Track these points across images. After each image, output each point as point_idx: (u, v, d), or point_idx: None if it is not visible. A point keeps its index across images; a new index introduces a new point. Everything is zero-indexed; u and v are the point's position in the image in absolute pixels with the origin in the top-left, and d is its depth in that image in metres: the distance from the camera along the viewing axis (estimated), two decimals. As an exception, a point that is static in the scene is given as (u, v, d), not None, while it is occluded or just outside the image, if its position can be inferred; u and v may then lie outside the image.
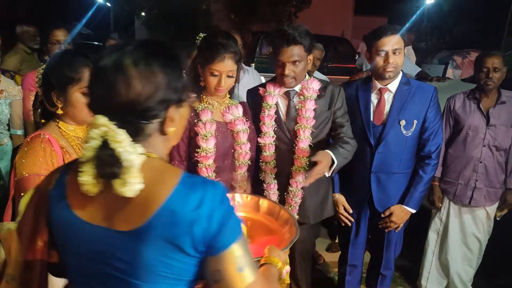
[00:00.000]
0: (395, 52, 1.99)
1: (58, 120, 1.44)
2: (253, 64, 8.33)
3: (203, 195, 0.80)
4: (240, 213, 1.41)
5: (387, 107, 2.07)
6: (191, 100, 0.91)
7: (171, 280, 0.82)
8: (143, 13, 14.29)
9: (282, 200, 2.01)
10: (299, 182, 1.96)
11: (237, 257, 0.82)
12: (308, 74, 3.23)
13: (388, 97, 2.08)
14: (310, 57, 1.91)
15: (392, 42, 1.98)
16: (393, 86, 2.07)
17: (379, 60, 2.01)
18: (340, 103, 1.99)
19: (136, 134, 0.82)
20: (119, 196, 0.79)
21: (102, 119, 0.79)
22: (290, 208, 1.98)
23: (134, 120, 0.81)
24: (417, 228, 2.90)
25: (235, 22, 11.81)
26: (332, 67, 8.71)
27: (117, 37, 3.47)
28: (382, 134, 2.05)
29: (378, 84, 2.07)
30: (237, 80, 3.00)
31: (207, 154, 1.73)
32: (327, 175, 1.76)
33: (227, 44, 1.69)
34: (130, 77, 0.79)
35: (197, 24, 11.55)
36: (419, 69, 4.51)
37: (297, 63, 1.85)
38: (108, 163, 0.78)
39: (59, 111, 1.40)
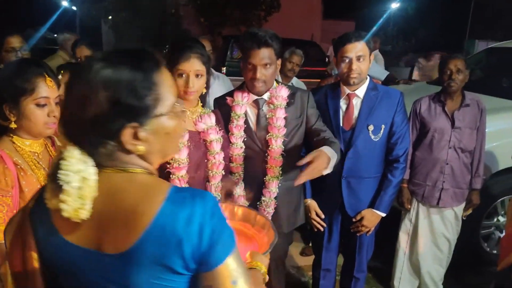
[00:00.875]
0: (359, 58, 2.01)
1: (12, 135, 1.35)
2: (225, 68, 8.31)
3: (192, 211, 0.76)
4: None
5: (355, 113, 2.09)
6: (170, 113, 0.84)
7: None
8: (110, 17, 13.97)
9: (253, 209, 1.97)
10: (272, 192, 1.94)
11: (231, 271, 0.79)
12: (285, 79, 3.26)
13: (356, 103, 2.10)
14: (279, 62, 1.90)
15: (356, 49, 1.99)
16: (361, 91, 2.09)
17: (344, 67, 2.03)
18: (312, 110, 2.00)
19: (111, 153, 0.79)
20: (105, 216, 0.75)
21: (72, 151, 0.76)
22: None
23: (90, 135, 0.78)
24: (389, 229, 2.95)
25: (205, 26, 11.75)
26: (302, 70, 8.81)
27: (86, 45, 3.27)
28: (352, 139, 2.07)
29: (346, 90, 2.09)
30: (207, 87, 2.99)
31: (179, 165, 1.66)
32: (325, 173, 1.67)
33: (192, 45, 1.66)
34: (81, 90, 0.77)
35: (166, 28, 11.42)
36: (387, 73, 4.62)
37: (267, 66, 1.82)
38: (55, 179, 0.75)
39: (13, 125, 1.32)
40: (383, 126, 2.07)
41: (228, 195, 1.85)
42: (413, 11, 18.23)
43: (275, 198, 1.95)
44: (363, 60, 2.02)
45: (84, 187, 0.75)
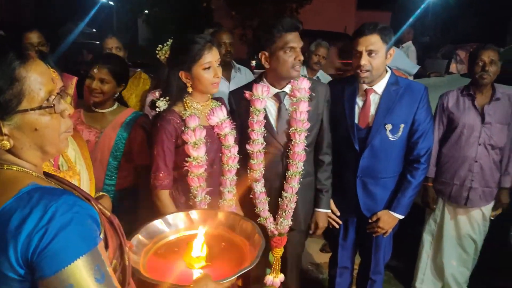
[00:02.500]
0: (371, 53, 1.88)
1: None
2: (254, 61, 8.26)
3: (30, 212, 0.73)
4: (200, 231, 1.27)
5: (372, 110, 1.98)
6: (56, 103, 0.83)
7: None
8: (145, 12, 14.23)
9: (272, 206, 1.95)
10: (294, 188, 1.90)
11: (76, 278, 0.73)
12: (311, 73, 3.19)
13: (374, 99, 1.99)
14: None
15: (367, 43, 1.87)
16: (380, 87, 1.98)
17: (354, 61, 1.92)
18: (326, 106, 1.95)
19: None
20: None
21: None
22: (284, 214, 1.92)
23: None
24: (412, 229, 2.84)
25: (236, 19, 11.73)
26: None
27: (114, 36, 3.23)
28: (368, 138, 1.97)
29: (364, 85, 1.99)
30: (228, 79, 2.97)
31: (198, 163, 1.65)
32: None
33: (204, 36, 1.65)
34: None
35: (199, 22, 11.49)
36: (417, 67, 4.41)
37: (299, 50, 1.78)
38: None
39: None
40: (402, 126, 1.95)
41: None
42: (453, 1, 17.43)
43: (296, 193, 1.91)
44: (375, 55, 1.88)
45: None
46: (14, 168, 0.82)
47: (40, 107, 0.80)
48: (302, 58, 1.79)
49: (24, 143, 0.81)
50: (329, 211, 2.06)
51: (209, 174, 1.72)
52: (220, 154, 1.75)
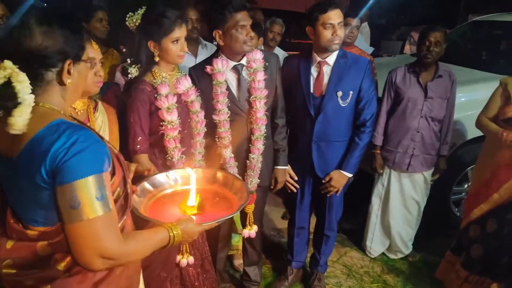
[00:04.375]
0: (340, 24, 2.09)
1: None
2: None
3: (58, 137, 0.95)
4: (195, 186, 1.45)
5: (325, 80, 2.20)
6: (90, 61, 1.11)
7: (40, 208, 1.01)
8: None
9: (241, 168, 2.12)
10: (259, 149, 2.08)
11: (71, 195, 0.94)
12: (268, 50, 3.33)
13: (326, 70, 2.20)
14: None
15: (337, 15, 2.07)
16: (331, 59, 2.19)
17: (326, 34, 2.08)
18: (279, 74, 2.13)
19: (36, 80, 0.99)
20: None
21: (8, 63, 0.94)
22: (253, 173, 2.11)
23: (35, 65, 0.99)
24: (363, 194, 3.12)
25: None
26: (295, 43, 8.78)
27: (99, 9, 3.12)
28: (321, 105, 2.19)
29: (317, 58, 2.19)
30: (194, 54, 3.07)
31: (173, 126, 1.79)
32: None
33: (175, 12, 1.76)
34: (33, 32, 0.98)
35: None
36: (372, 49, 4.69)
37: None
38: (5, 97, 0.93)
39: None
40: (351, 92, 2.18)
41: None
42: (410, -16, 17.91)
43: (261, 154, 2.10)
44: (341, 27, 2.09)
45: (30, 106, 0.96)
46: (47, 106, 1.02)
47: (89, 62, 1.11)
48: (252, 34, 1.94)
49: (74, 83, 1.07)
50: (287, 167, 2.27)
51: (183, 138, 1.87)
52: (189, 120, 1.90)
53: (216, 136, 2.03)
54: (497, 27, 4.32)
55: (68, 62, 1.03)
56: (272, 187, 2.29)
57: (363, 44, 4.55)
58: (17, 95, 0.93)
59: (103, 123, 1.66)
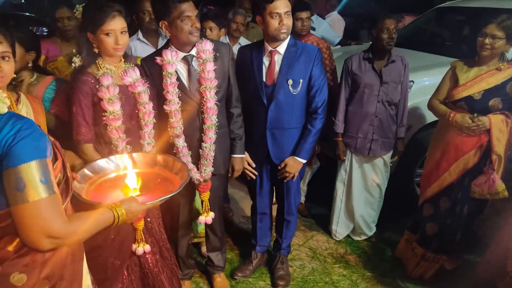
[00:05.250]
0: (287, 14, 2.15)
1: None
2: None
3: (3, 125, 1.03)
4: (137, 170, 1.54)
5: (277, 68, 2.25)
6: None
7: None
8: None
9: (194, 158, 2.17)
10: (211, 138, 2.14)
11: (16, 178, 1.01)
12: (232, 40, 3.38)
13: (278, 59, 2.26)
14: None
15: (283, 5, 2.13)
16: (282, 48, 2.24)
17: (273, 23, 2.14)
18: (232, 64, 2.18)
19: None
20: None
21: None
22: (206, 162, 2.16)
23: None
24: (328, 180, 3.21)
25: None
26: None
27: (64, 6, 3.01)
28: (273, 93, 2.25)
29: (269, 47, 2.24)
30: (155, 46, 3.09)
31: (114, 116, 1.82)
32: None
33: (112, 4, 1.78)
34: None
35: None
36: (339, 38, 4.76)
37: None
38: None
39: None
40: (301, 81, 2.24)
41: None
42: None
43: (214, 143, 2.15)
44: (289, 16, 2.15)
45: None
46: None
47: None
48: (198, 25, 1.97)
49: None
50: (244, 155, 2.33)
51: (128, 128, 1.90)
52: (137, 111, 1.93)
53: (168, 126, 2.07)
54: (460, 12, 4.43)
55: None
56: (230, 175, 2.36)
57: (330, 32, 4.62)
58: None
59: (28, 114, 1.67)
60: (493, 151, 2.37)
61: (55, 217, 1.06)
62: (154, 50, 3.00)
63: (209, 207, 2.23)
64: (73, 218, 1.13)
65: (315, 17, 4.32)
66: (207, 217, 2.23)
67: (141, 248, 1.91)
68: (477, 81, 2.39)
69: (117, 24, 1.78)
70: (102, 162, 1.56)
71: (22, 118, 1.06)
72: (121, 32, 1.80)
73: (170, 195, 1.37)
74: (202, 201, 2.25)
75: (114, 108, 1.82)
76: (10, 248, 1.09)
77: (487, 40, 2.30)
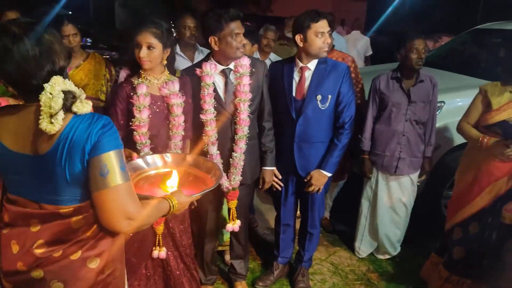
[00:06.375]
0: (329, 33, 2.28)
1: None
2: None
3: (90, 123, 1.17)
4: (170, 168, 1.64)
5: (306, 84, 2.34)
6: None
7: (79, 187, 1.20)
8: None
9: (225, 166, 2.26)
10: (241, 149, 2.24)
11: (101, 165, 1.15)
12: (263, 55, 3.51)
13: (308, 75, 2.35)
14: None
15: (327, 25, 2.26)
16: (312, 64, 2.33)
17: (318, 41, 2.25)
18: (266, 78, 2.28)
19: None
20: (38, 127, 1.13)
21: (58, 79, 1.15)
22: (235, 171, 2.26)
23: (64, 75, 1.20)
24: (354, 196, 3.22)
25: (213, 3, 11.86)
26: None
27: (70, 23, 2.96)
28: (302, 108, 2.33)
29: (300, 63, 2.34)
30: (191, 60, 3.25)
31: (140, 123, 1.97)
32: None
33: (150, 21, 1.94)
34: (55, 37, 1.19)
35: (175, 5, 11.58)
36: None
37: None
38: (73, 100, 1.15)
39: None
40: (329, 96, 2.32)
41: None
42: (428, -9, 17.82)
43: (243, 153, 2.24)
44: (331, 35, 2.28)
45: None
46: None
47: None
48: (245, 41, 2.12)
49: None
50: (274, 168, 2.41)
51: (156, 137, 2.03)
52: (167, 122, 2.05)
53: (203, 134, 2.18)
54: (496, 35, 4.37)
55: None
56: (260, 187, 2.43)
57: (343, 47, 4.78)
58: (76, 94, 1.16)
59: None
60: None
61: (132, 201, 1.19)
62: (190, 63, 3.18)
63: (236, 215, 2.31)
64: (143, 204, 1.26)
65: (334, 34, 4.45)
66: (233, 225, 2.32)
67: (157, 252, 2.06)
68: (511, 105, 2.37)
69: (144, 38, 1.92)
70: (139, 161, 1.67)
71: (101, 115, 1.20)
72: (148, 47, 1.93)
73: (211, 188, 1.48)
74: (229, 209, 2.33)
75: (141, 115, 1.97)
76: (88, 233, 1.24)
77: None
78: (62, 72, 1.19)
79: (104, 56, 3.30)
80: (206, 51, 3.38)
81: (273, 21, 5.15)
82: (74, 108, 1.15)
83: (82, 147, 1.14)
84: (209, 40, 2.11)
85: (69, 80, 1.18)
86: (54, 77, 1.14)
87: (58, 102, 1.11)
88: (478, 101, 2.53)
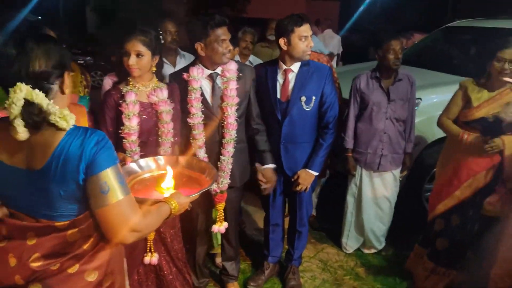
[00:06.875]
0: (311, 36, 2.33)
1: None
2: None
3: (82, 140, 1.16)
4: (164, 170, 1.64)
5: (290, 86, 2.39)
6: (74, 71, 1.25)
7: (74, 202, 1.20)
8: (92, -1, 13.90)
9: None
10: (229, 152, 2.26)
11: (101, 183, 1.15)
12: (243, 58, 3.54)
13: (291, 77, 2.40)
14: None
15: (309, 28, 2.31)
16: (296, 67, 2.39)
17: (301, 45, 2.30)
18: (253, 85, 2.32)
19: (47, 94, 1.16)
20: (31, 142, 1.13)
21: (22, 85, 1.11)
22: (223, 174, 2.28)
23: (44, 82, 1.16)
24: (340, 194, 3.29)
25: (188, 6, 11.79)
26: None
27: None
28: (287, 109, 2.38)
29: (283, 66, 2.39)
30: (173, 64, 3.26)
31: (130, 131, 1.98)
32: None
33: (139, 29, 1.95)
34: (35, 53, 1.14)
35: (149, 10, 11.45)
36: (328, 51, 5.13)
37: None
38: (31, 114, 1.11)
39: None
40: (313, 98, 2.37)
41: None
42: (399, -10, 18.25)
43: (231, 157, 2.27)
44: (312, 38, 2.34)
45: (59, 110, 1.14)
46: None
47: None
48: (231, 47, 2.15)
49: (70, 92, 1.25)
50: (274, 165, 2.42)
51: (146, 144, 2.04)
52: (157, 129, 2.06)
53: (191, 138, 2.21)
54: (468, 32, 4.55)
55: (67, 73, 1.21)
56: (263, 188, 2.44)
57: (318, 45, 4.91)
58: (42, 108, 1.11)
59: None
60: (505, 171, 2.42)
61: (134, 212, 1.21)
62: (173, 68, 3.18)
63: (223, 217, 2.34)
64: (145, 213, 1.27)
65: None
66: (220, 227, 2.34)
67: (149, 258, 2.07)
68: (490, 103, 2.44)
69: (133, 46, 1.93)
70: (133, 165, 1.68)
71: (95, 130, 1.19)
72: (137, 55, 1.94)
73: (208, 187, 1.51)
74: (217, 211, 2.36)
75: (131, 123, 1.98)
76: (85, 247, 1.23)
77: (506, 66, 2.35)
78: (46, 79, 1.17)
79: (79, 62, 3.26)
80: (188, 55, 3.40)
81: (249, 23, 5.18)
82: (58, 124, 1.14)
83: (76, 165, 1.14)
84: (196, 46, 2.14)
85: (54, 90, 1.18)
86: (19, 83, 1.11)
87: (15, 109, 1.11)
88: (459, 97, 2.60)
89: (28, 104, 1.10)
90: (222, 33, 2.09)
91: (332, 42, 6.78)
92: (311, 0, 17.27)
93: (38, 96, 1.11)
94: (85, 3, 14.52)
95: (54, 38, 1.27)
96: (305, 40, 2.29)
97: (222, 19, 2.10)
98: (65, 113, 1.14)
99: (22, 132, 1.11)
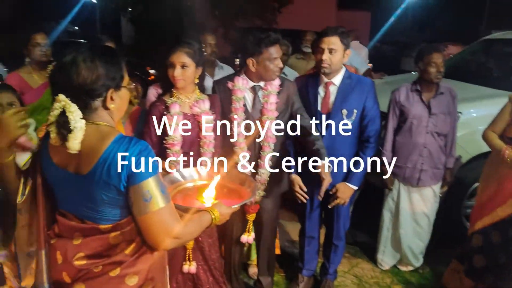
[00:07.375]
0: (331, 51, 2.30)
1: None
2: (238, 60, 8.57)
3: (126, 149, 1.20)
4: (206, 180, 1.71)
5: (331, 99, 2.39)
6: (128, 86, 1.30)
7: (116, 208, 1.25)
8: (129, 9, 14.33)
9: None
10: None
11: (144, 191, 1.20)
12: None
13: (333, 90, 2.40)
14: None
15: (329, 42, 2.29)
16: (337, 80, 2.39)
17: (318, 57, 2.33)
18: (296, 97, 2.32)
19: (86, 108, 1.22)
20: (80, 150, 1.18)
21: (62, 96, 1.18)
22: (260, 186, 2.30)
23: (83, 97, 1.21)
24: (375, 208, 3.24)
25: (219, 18, 11.99)
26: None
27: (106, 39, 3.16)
28: (328, 122, 2.37)
29: (324, 79, 2.39)
30: (212, 75, 3.32)
31: (173, 141, 2.03)
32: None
33: (183, 42, 2.01)
34: (80, 69, 1.19)
35: (182, 21, 11.71)
36: (367, 67, 4.90)
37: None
38: (62, 125, 1.17)
39: None
40: (355, 111, 2.36)
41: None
42: (432, 1, 18.04)
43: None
44: (334, 53, 2.30)
45: (81, 131, 1.19)
46: (103, 124, 1.25)
47: (126, 87, 1.32)
48: (282, 65, 2.18)
49: (117, 106, 1.29)
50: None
51: (188, 154, 2.08)
52: (199, 139, 2.11)
53: (233, 147, 2.24)
54: (508, 44, 4.42)
55: (110, 91, 1.25)
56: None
57: (358, 60, 4.76)
58: (70, 123, 1.16)
59: None
60: None
61: (174, 220, 1.25)
62: (211, 79, 3.23)
63: (252, 228, 2.36)
64: (186, 221, 1.31)
65: None
66: (249, 237, 2.35)
67: (187, 266, 2.10)
68: None
69: (178, 58, 1.99)
70: (176, 174, 1.73)
71: (138, 140, 1.23)
72: (182, 67, 2.00)
73: (249, 199, 1.54)
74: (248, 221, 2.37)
75: (175, 134, 2.03)
76: (127, 251, 1.27)
77: None
78: (86, 94, 1.22)
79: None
80: (226, 67, 3.46)
81: (281, 34, 5.15)
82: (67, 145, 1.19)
83: (119, 173, 1.18)
84: (247, 62, 2.17)
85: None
86: (61, 94, 1.18)
87: (51, 117, 1.18)
88: (507, 111, 2.52)
89: (62, 115, 1.17)
90: (275, 51, 2.13)
91: (361, 54, 6.48)
92: (341, 10, 17.26)
93: (70, 110, 1.17)
94: (121, 13, 14.98)
95: (113, 50, 1.31)
96: (319, 52, 2.30)
97: (277, 37, 2.13)
98: (78, 135, 1.18)
99: (53, 138, 1.20)
